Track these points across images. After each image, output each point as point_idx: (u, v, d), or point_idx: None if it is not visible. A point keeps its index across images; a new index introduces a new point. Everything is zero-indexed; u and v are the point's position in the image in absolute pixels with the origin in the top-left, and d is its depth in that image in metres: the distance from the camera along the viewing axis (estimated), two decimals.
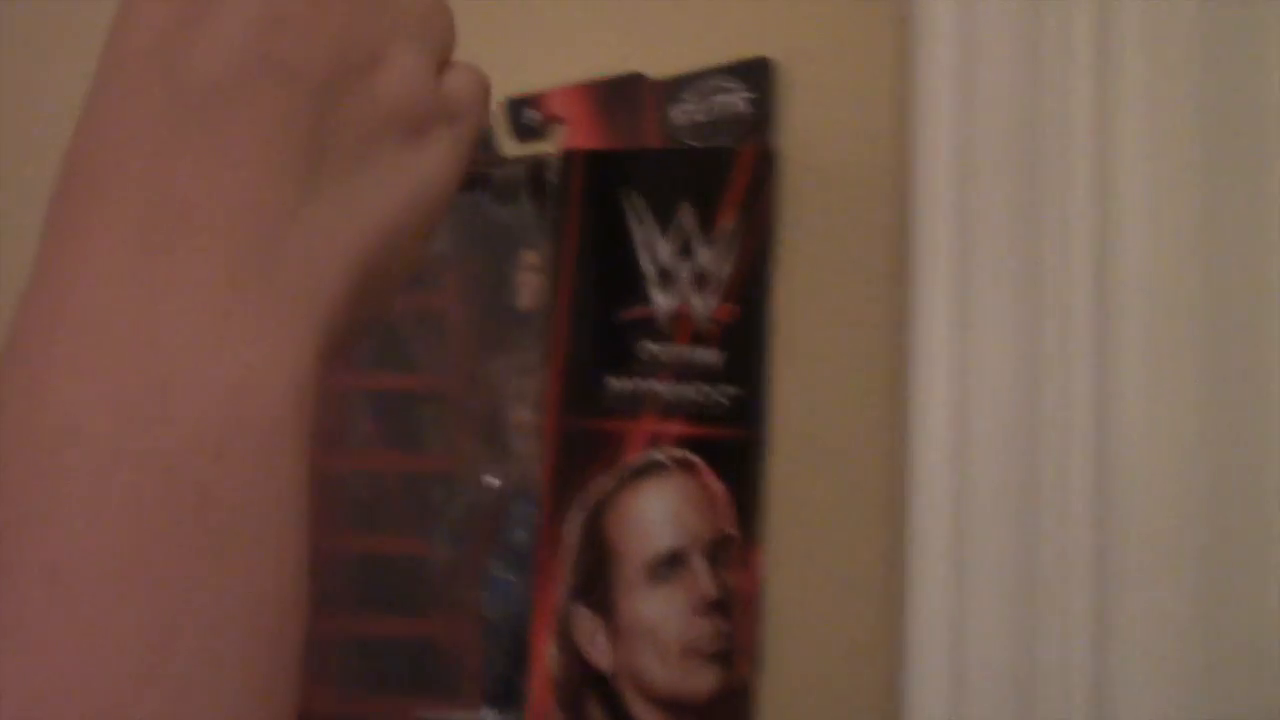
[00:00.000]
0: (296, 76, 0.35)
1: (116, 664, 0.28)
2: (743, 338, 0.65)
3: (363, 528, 0.73)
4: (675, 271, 0.67)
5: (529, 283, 0.70)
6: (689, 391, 0.67)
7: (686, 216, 0.66)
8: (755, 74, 0.64)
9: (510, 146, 0.73)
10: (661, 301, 0.67)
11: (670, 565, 0.67)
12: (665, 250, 0.67)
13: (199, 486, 0.30)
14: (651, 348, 0.68)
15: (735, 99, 0.64)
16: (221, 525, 0.30)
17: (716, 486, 0.66)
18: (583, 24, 0.69)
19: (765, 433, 0.65)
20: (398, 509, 0.72)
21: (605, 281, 0.69)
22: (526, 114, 0.72)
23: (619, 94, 0.69)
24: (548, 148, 0.71)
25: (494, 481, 0.70)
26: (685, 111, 0.66)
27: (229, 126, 0.34)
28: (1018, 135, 0.60)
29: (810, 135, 0.63)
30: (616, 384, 0.68)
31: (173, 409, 0.30)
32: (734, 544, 0.65)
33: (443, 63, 0.40)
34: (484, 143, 0.73)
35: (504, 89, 0.73)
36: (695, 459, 0.66)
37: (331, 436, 0.74)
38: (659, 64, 0.67)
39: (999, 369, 0.61)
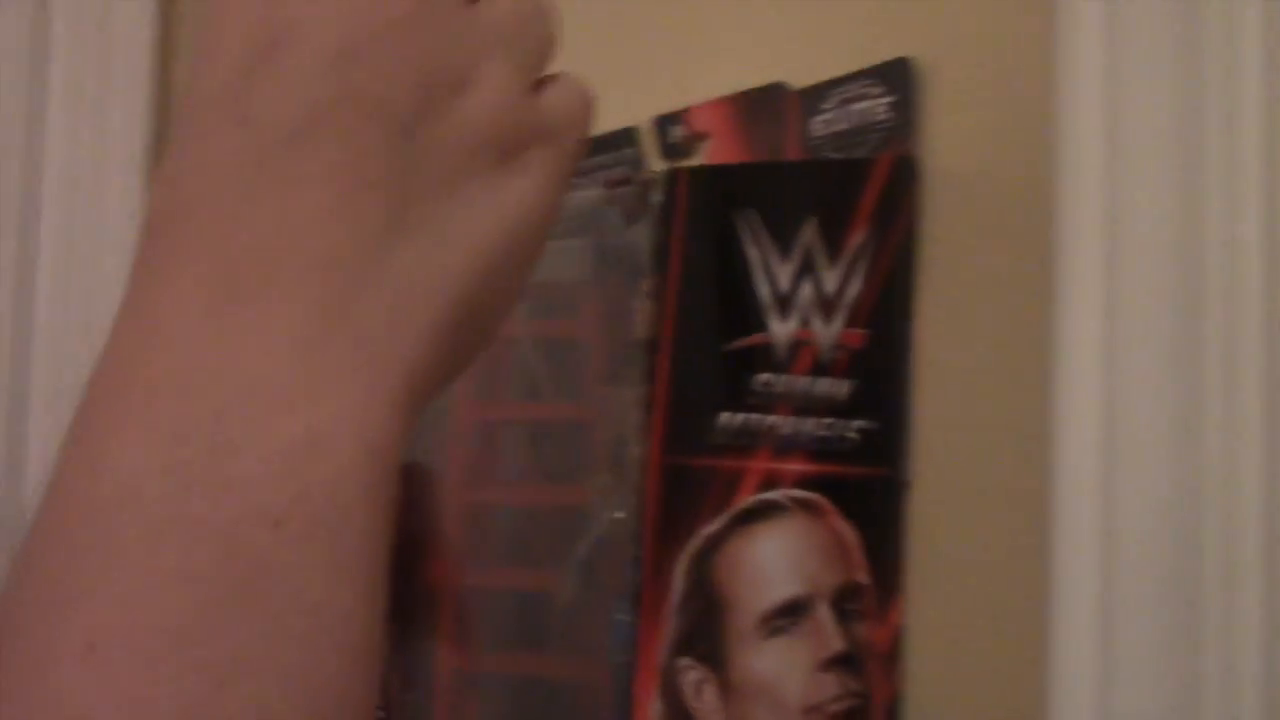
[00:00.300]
0: (376, 111, 0.33)
1: None
2: (875, 365, 0.60)
3: (505, 562, 0.67)
4: (795, 295, 0.61)
5: (644, 310, 0.64)
6: (811, 426, 0.61)
7: (810, 234, 0.61)
8: (896, 76, 0.58)
9: (660, 166, 0.67)
10: (779, 328, 0.62)
11: (789, 616, 0.61)
12: (784, 272, 0.62)
13: (255, 558, 0.28)
14: (767, 379, 0.62)
15: (875, 105, 0.59)
16: (277, 601, 0.28)
17: (845, 530, 0.60)
18: (728, 34, 0.63)
19: (904, 470, 0.59)
20: (532, 543, 0.66)
21: (715, 308, 0.63)
22: (673, 131, 0.67)
23: (761, 106, 0.64)
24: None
25: (620, 515, 0.64)
26: (825, 121, 0.60)
27: (305, 171, 0.32)
28: (1177, 137, 0.55)
29: (954, 140, 0.58)
30: (727, 419, 0.63)
31: (232, 472, 0.29)
32: (865, 593, 0.60)
33: (539, 76, 0.37)
34: (634, 162, 0.68)
35: (655, 106, 0.68)
36: (820, 500, 0.61)
37: (477, 469, 0.68)
38: (807, 70, 0.62)
39: (1155, 398, 0.56)
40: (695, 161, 0.65)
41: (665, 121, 0.68)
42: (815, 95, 0.61)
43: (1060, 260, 0.56)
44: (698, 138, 0.66)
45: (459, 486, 0.68)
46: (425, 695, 0.67)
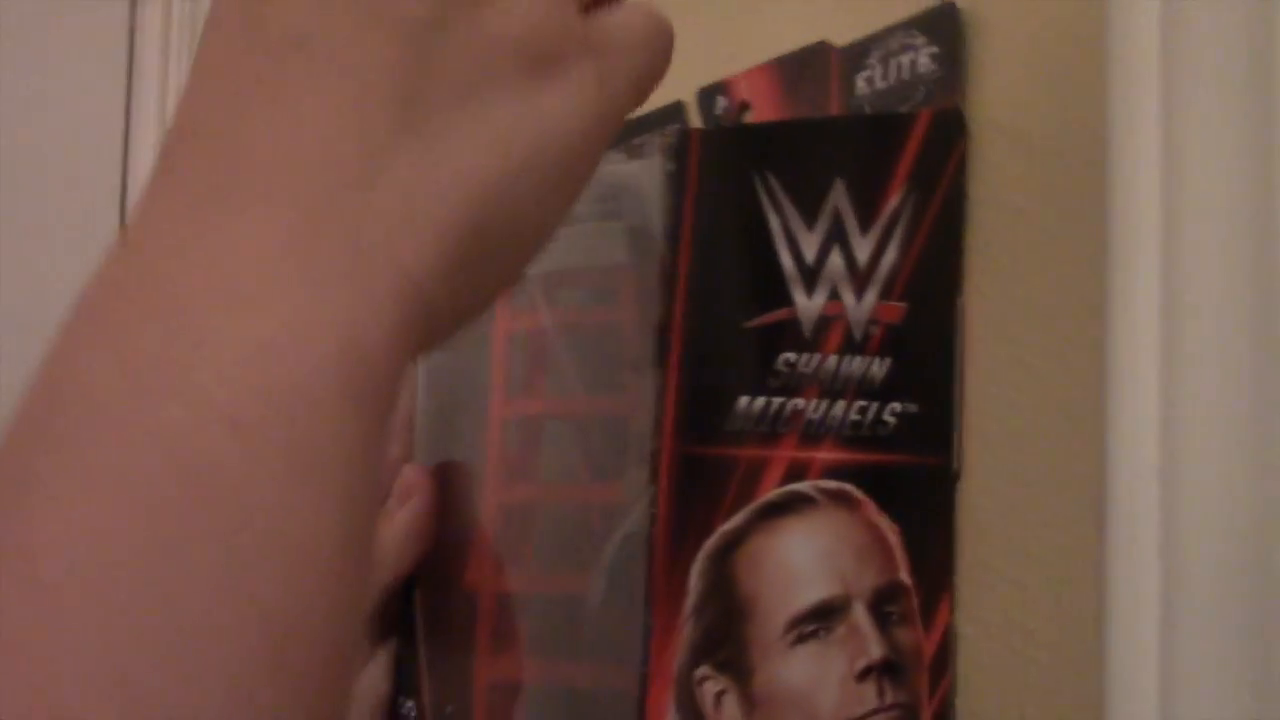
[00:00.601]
0: (388, 18, 0.32)
1: (75, 667, 0.24)
2: (916, 342, 0.54)
3: (544, 566, 0.61)
4: (823, 266, 0.55)
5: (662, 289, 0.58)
6: (842, 410, 0.55)
7: (839, 197, 0.55)
8: (941, 25, 0.52)
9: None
10: (804, 303, 0.56)
11: (821, 620, 0.55)
12: (810, 241, 0.55)
13: (209, 459, 0.26)
14: (792, 358, 0.56)
15: (919, 57, 0.53)
16: (230, 504, 0.26)
17: (884, 524, 0.54)
18: None
19: (951, 458, 0.53)
20: (572, 545, 0.60)
21: (732, 283, 0.57)
22: (717, 102, 0.61)
23: (803, 68, 0.58)
24: None
25: (654, 512, 0.58)
26: (867, 79, 0.54)
27: (309, 77, 0.31)
28: (1245, 87, 0.50)
29: (1005, 93, 0.52)
30: (748, 404, 0.57)
31: (189, 371, 0.27)
32: (907, 594, 0.54)
33: None
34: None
35: (702, 78, 0.62)
36: (855, 491, 0.55)
37: (516, 468, 0.62)
38: (853, 25, 0.56)
39: (1221, 376, 0.51)
40: None
41: (708, 93, 0.62)
42: (857, 52, 0.55)
43: (1115, 224, 0.50)
44: (742, 107, 0.60)
45: (497, 486, 0.62)
46: (463, 707, 0.60)
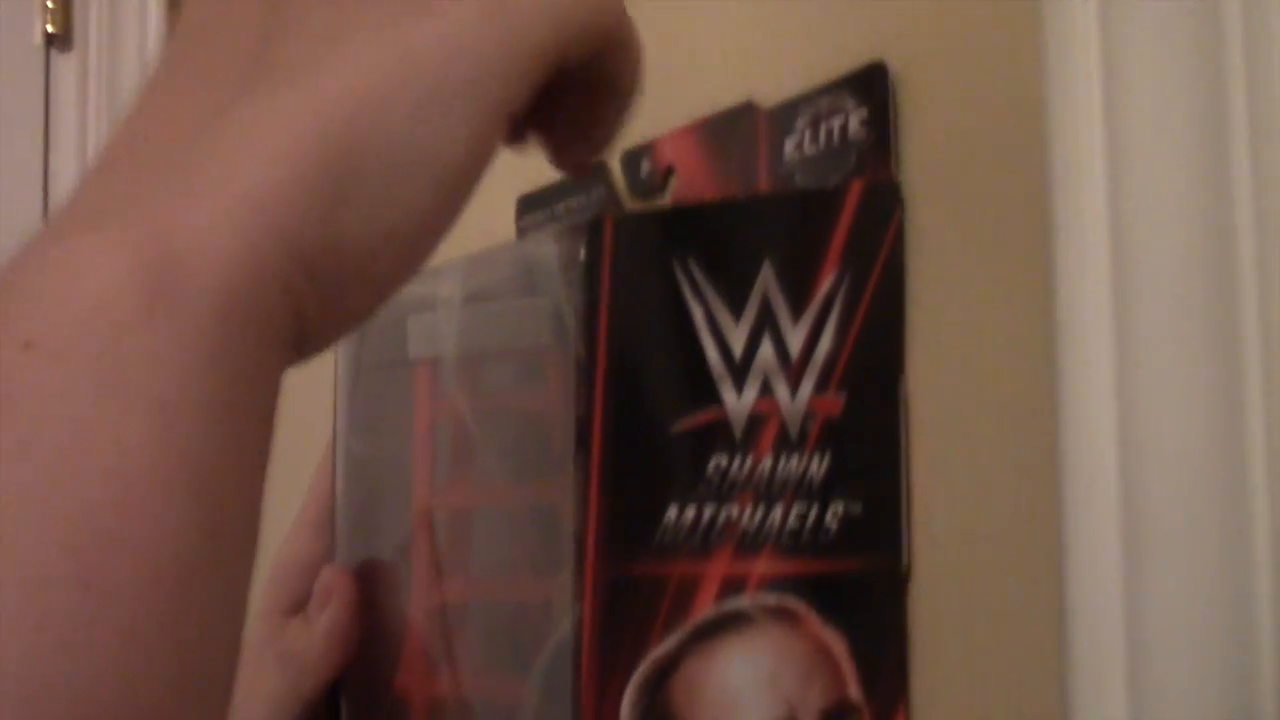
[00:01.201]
0: None
1: None
2: (858, 435, 0.49)
3: (476, 668, 0.55)
4: (753, 357, 0.51)
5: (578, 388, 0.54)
6: (780, 515, 0.50)
7: (767, 282, 0.51)
8: (871, 87, 0.49)
9: (634, 206, 0.58)
10: (734, 400, 0.51)
11: None
12: (738, 331, 0.51)
13: (5, 379, 0.26)
14: (723, 463, 0.52)
15: (850, 120, 0.49)
16: (25, 426, 0.26)
17: (830, 638, 0.49)
18: (697, 51, 0.53)
19: (900, 559, 0.49)
20: (504, 646, 0.55)
21: (654, 382, 0.53)
22: (642, 165, 0.57)
23: (730, 130, 0.54)
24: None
25: (581, 636, 0.53)
26: (796, 143, 0.51)
27: (175, 44, 0.34)
28: (1192, 143, 0.47)
29: (941, 157, 0.48)
30: (677, 515, 0.52)
31: None
32: (858, 713, 0.48)
33: None
34: (607, 204, 0.57)
35: (627, 138, 0.57)
36: (797, 604, 0.50)
37: (444, 564, 0.58)
38: (780, 83, 0.53)
39: (1179, 467, 0.47)
40: (665, 199, 0.55)
41: (633, 157, 0.58)
42: (785, 114, 0.52)
43: (1063, 293, 0.47)
44: (667, 173, 0.56)
45: (426, 584, 0.58)
46: None
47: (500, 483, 0.56)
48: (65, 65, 1.21)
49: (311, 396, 0.56)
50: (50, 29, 1.22)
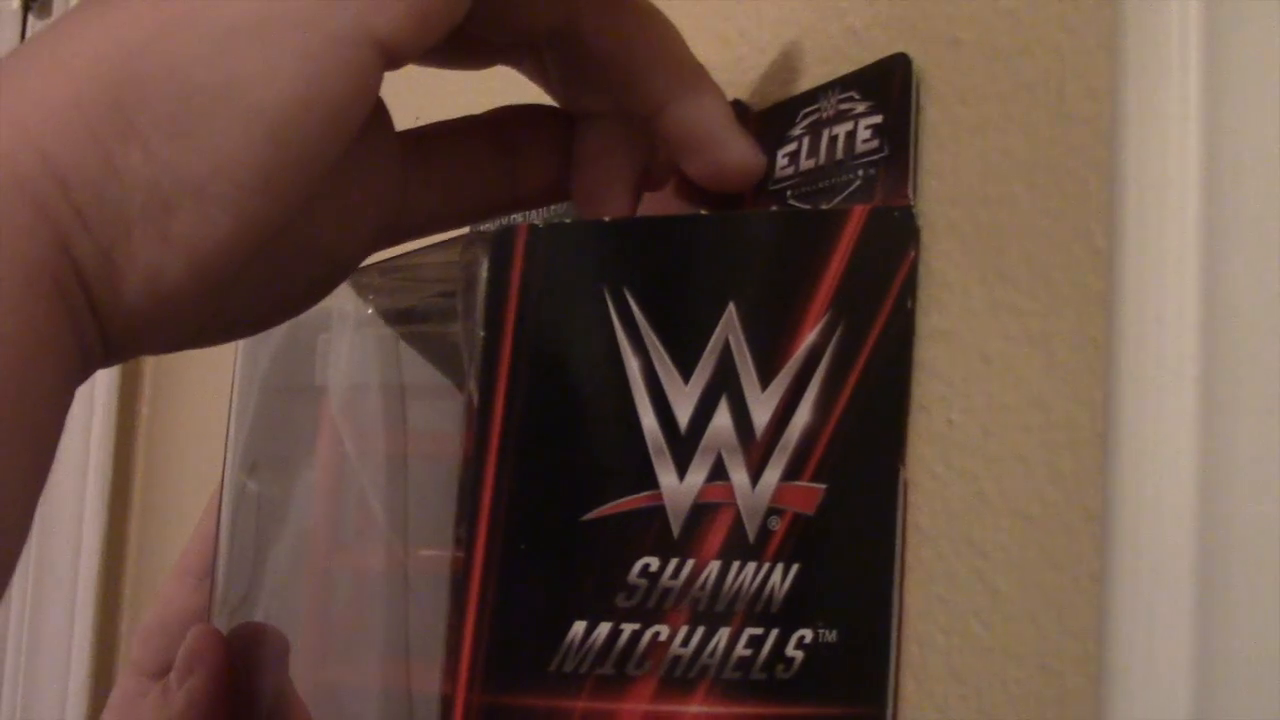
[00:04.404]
0: None
1: None
2: (837, 541, 0.37)
3: None
4: (703, 429, 0.38)
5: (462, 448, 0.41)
6: (726, 641, 0.38)
7: (730, 330, 0.38)
8: (887, 86, 0.37)
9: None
10: (674, 484, 0.39)
11: None
12: (686, 393, 0.39)
13: None
14: (653, 566, 0.39)
15: (858, 128, 0.37)
16: None
17: None
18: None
19: (885, 708, 0.36)
20: None
21: (566, 451, 0.40)
22: None
23: None
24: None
25: None
26: (791, 154, 0.39)
27: None
28: None
29: (972, 184, 0.37)
30: (585, 633, 0.39)
31: None
32: None
33: None
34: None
35: None
36: None
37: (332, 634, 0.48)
38: (774, 80, 0.41)
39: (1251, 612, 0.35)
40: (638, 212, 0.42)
41: None
42: (781, 116, 0.40)
43: (1126, 374, 0.35)
44: None
45: (314, 658, 0.48)
46: None
47: (400, 546, 0.44)
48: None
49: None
50: None
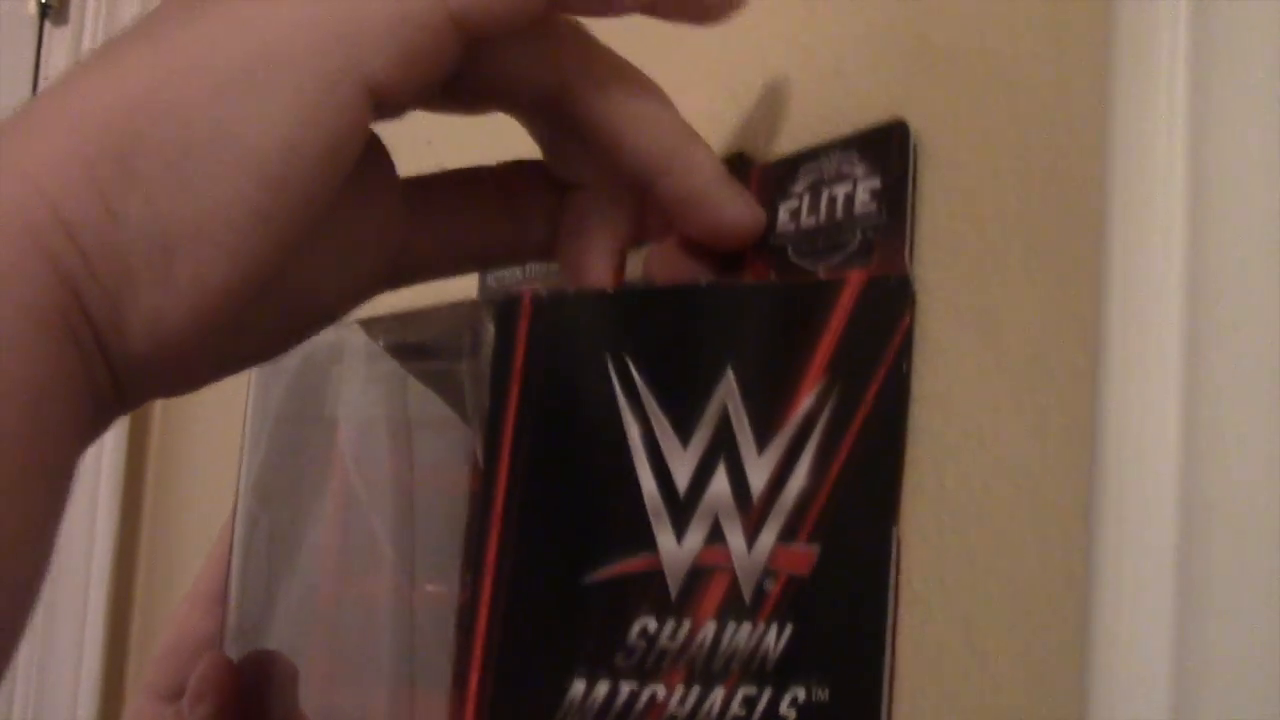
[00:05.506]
0: None
1: None
2: (831, 602, 0.38)
3: None
4: (701, 493, 0.39)
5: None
6: (722, 701, 0.39)
7: (728, 396, 0.39)
8: (886, 151, 0.39)
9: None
10: (672, 547, 0.40)
11: None
12: (684, 457, 0.40)
13: None
14: (651, 627, 0.40)
15: (858, 191, 0.39)
16: None
17: None
18: (682, 90, 0.41)
19: None
20: None
21: (568, 514, 0.41)
22: None
23: None
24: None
25: None
26: (793, 210, 0.40)
27: None
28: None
29: (970, 253, 0.38)
30: (585, 693, 0.40)
31: None
32: None
33: None
34: None
35: None
36: None
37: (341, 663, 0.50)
38: (780, 136, 0.42)
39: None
40: (631, 272, 0.43)
41: None
42: (784, 172, 0.41)
43: (1112, 442, 0.36)
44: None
45: (324, 685, 0.49)
46: None
47: (406, 579, 0.45)
48: (59, 39, 1.20)
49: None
50: (44, 0, 1.20)
